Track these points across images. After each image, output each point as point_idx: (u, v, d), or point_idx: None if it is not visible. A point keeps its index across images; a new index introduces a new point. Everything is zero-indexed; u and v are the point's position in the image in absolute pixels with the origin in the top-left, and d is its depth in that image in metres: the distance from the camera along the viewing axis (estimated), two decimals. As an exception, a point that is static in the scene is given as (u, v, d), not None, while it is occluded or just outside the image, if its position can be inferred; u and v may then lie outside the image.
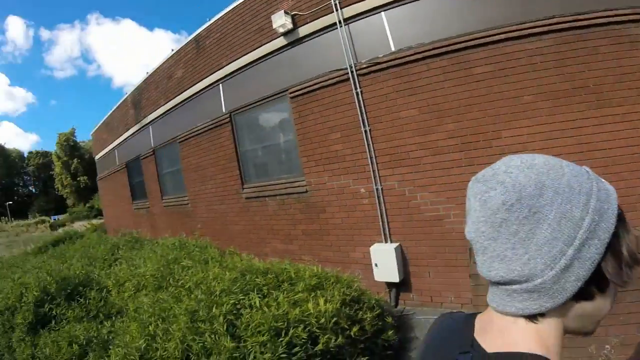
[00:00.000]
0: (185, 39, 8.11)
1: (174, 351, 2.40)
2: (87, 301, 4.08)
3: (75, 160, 61.51)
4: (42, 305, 3.96)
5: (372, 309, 3.12)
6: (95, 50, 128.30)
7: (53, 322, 3.81)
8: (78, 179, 61.28)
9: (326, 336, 2.51)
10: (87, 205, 38.74)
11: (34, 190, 75.50)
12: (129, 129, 10.00)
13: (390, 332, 3.09)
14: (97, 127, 13.44)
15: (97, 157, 13.89)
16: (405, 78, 4.18)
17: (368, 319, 2.96)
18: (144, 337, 2.62)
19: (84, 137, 68.48)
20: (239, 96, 6.08)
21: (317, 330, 2.53)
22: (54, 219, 44.72)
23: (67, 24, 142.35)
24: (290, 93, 5.23)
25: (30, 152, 74.48)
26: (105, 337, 3.24)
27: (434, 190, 4.07)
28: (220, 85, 6.40)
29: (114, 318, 3.73)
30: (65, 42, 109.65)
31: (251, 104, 5.91)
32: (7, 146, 71.96)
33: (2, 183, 67.89)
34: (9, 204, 58.74)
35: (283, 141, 5.69)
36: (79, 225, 25.99)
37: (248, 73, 5.87)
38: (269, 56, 5.51)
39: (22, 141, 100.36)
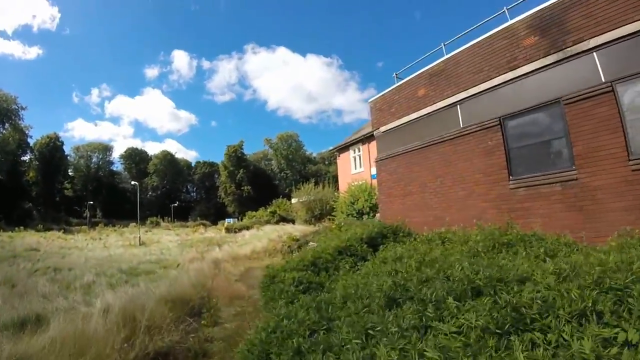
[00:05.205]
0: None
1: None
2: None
3: (241, 171, 68.54)
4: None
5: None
6: (252, 76, 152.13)
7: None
8: (242, 188, 68.03)
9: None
10: (269, 210, 39.58)
11: (195, 196, 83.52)
12: (516, 68, 7.60)
13: None
14: (387, 91, 11.76)
15: (381, 130, 12.08)
16: None
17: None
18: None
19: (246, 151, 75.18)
20: None
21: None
22: (229, 222, 46.89)
23: (226, 54, 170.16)
24: None
25: (198, 162, 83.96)
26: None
27: None
28: None
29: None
30: (224, 71, 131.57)
31: None
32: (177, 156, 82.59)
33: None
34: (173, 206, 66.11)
35: None
36: (272, 229, 24.86)
37: None
38: None
39: (182, 156, 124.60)
